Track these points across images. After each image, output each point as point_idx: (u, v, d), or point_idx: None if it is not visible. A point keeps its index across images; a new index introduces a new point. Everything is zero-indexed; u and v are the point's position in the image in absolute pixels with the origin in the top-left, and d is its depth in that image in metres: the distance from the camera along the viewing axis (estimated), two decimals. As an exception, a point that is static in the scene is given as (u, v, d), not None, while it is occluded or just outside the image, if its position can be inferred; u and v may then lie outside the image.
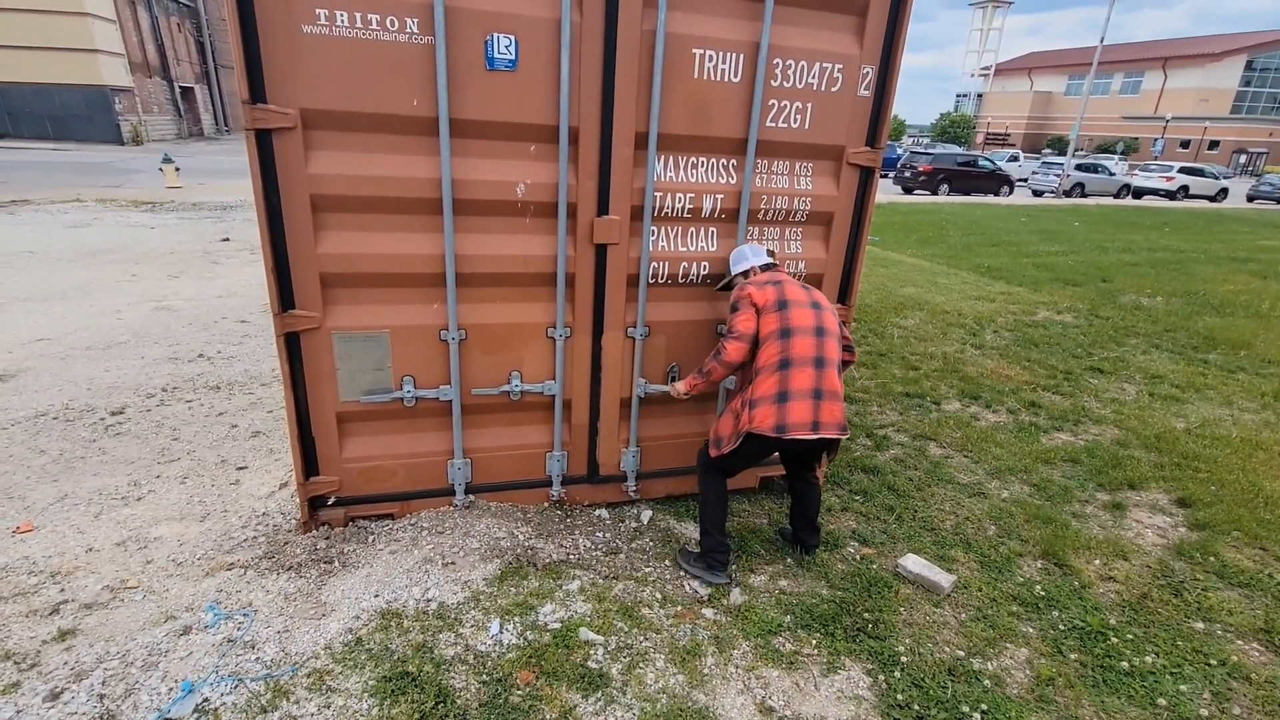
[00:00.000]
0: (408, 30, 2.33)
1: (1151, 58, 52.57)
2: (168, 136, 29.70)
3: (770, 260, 2.77)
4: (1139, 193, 27.58)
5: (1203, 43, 53.04)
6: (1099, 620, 2.66)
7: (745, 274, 2.75)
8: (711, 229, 2.95)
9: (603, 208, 2.73)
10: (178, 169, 14.50)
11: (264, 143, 2.32)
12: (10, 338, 5.16)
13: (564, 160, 2.63)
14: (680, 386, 2.77)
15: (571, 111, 2.56)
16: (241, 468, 3.48)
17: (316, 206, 2.46)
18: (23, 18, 23.37)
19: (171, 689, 2.06)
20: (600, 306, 2.88)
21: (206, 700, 2.03)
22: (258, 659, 2.20)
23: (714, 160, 2.85)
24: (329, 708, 2.04)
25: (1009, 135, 58.70)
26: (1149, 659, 2.48)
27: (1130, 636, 2.59)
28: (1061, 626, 2.63)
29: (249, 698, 2.05)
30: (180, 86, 31.61)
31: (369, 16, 2.28)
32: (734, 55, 2.65)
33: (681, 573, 2.81)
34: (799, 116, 2.83)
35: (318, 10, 2.23)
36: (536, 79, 2.50)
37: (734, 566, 2.85)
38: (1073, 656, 2.48)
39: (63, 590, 2.49)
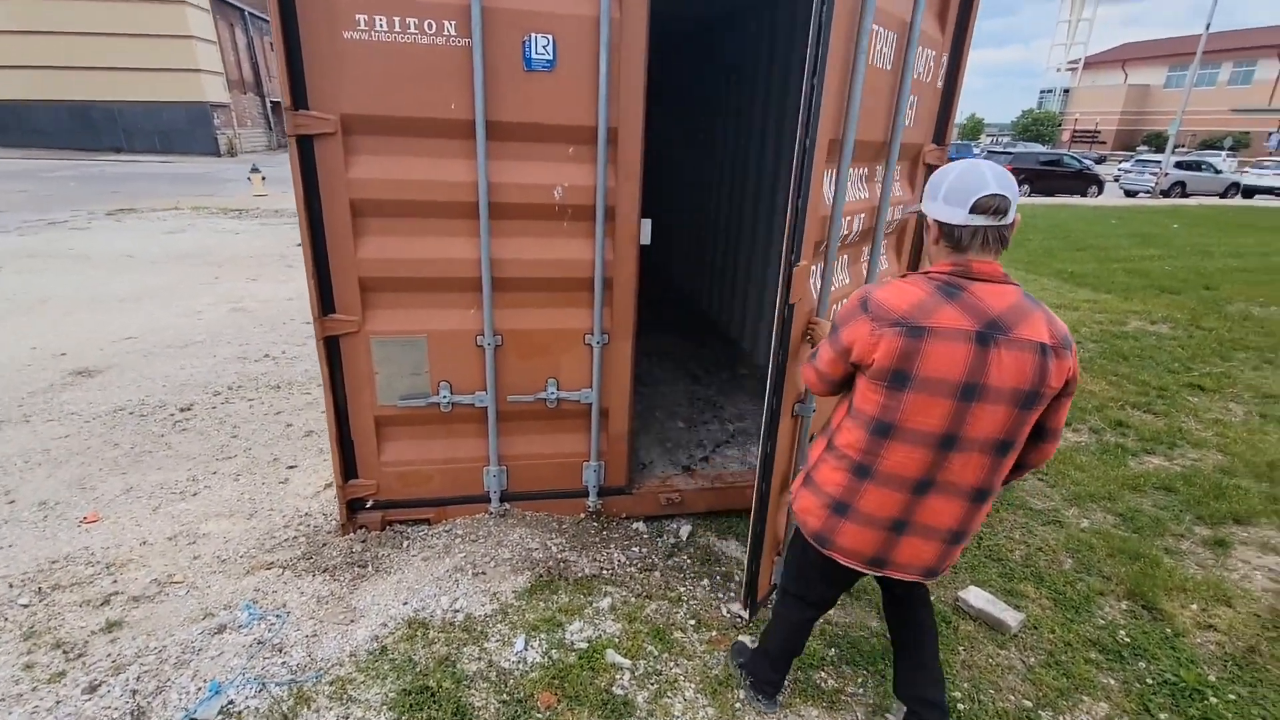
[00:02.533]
0: (445, 33, 2.30)
1: (1265, 45, 47.99)
2: (258, 148, 31.72)
3: (986, 224, 1.43)
4: (1250, 192, 25.18)
5: (1328, 27, 48.10)
6: (1195, 675, 2.34)
7: (926, 227, 1.56)
8: None
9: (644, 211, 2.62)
10: (264, 178, 15.41)
11: (305, 148, 2.34)
12: (104, 335, 5.53)
13: (602, 161, 2.54)
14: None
15: (610, 111, 2.48)
16: (292, 466, 3.56)
17: (356, 211, 2.46)
18: (136, 42, 25.52)
19: (200, 689, 2.08)
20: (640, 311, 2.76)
21: (231, 703, 2.04)
22: (284, 663, 2.20)
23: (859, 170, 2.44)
24: (347, 718, 2.01)
25: (1099, 132, 54.98)
26: (1256, 725, 2.15)
27: (1232, 696, 2.26)
28: (1149, 680, 2.33)
29: (271, 703, 2.04)
30: (270, 100, 33.70)
31: (407, 20, 2.27)
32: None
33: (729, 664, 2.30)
34: (910, 112, 2.49)
35: (358, 16, 2.23)
36: (575, 79, 2.43)
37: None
38: (1162, 716, 2.18)
39: (115, 582, 2.59)
